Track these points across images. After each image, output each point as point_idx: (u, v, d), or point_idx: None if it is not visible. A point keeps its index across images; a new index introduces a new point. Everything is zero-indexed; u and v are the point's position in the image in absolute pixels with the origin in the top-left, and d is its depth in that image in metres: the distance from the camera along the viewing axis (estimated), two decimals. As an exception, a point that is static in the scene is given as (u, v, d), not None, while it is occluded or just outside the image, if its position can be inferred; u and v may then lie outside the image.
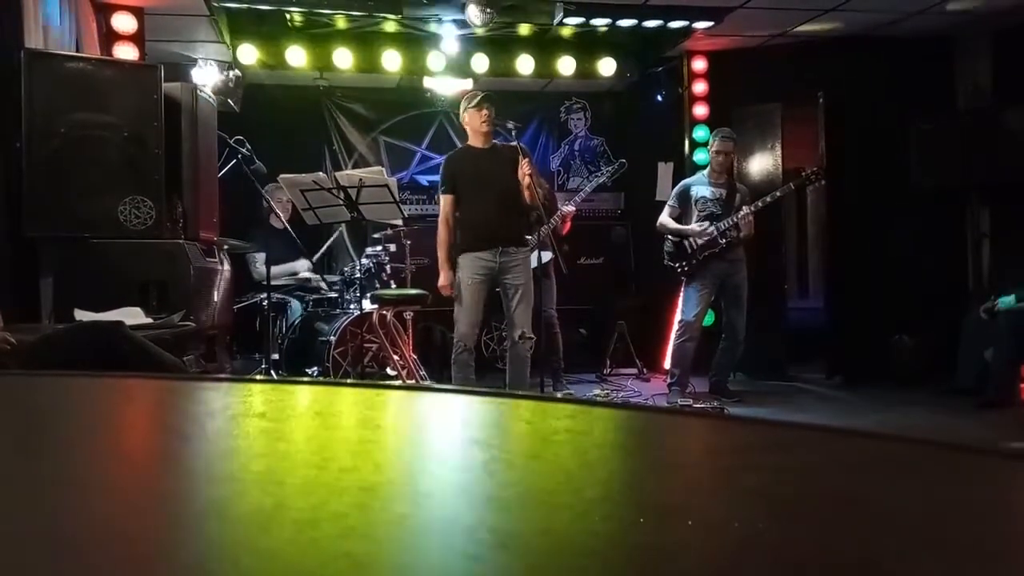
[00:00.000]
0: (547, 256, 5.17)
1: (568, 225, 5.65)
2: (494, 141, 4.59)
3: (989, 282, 6.07)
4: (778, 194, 5.34)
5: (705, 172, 5.50)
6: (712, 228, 5.25)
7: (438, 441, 0.69)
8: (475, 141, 4.55)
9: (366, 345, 5.02)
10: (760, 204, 5.25)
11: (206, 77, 5.75)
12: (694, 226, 5.30)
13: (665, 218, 5.47)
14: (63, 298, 3.64)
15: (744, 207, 5.25)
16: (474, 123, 4.48)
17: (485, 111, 4.44)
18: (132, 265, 3.79)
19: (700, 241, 5.25)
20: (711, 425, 0.77)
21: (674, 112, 6.88)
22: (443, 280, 4.45)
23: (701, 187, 5.41)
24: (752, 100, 6.44)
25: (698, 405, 5.08)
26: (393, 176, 5.90)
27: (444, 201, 4.52)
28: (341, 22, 6.13)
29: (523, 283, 4.45)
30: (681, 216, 5.44)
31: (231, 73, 5.89)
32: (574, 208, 5.63)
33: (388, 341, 4.86)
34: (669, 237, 5.41)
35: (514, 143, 4.55)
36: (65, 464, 0.54)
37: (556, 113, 7.62)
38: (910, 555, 0.39)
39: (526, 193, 4.39)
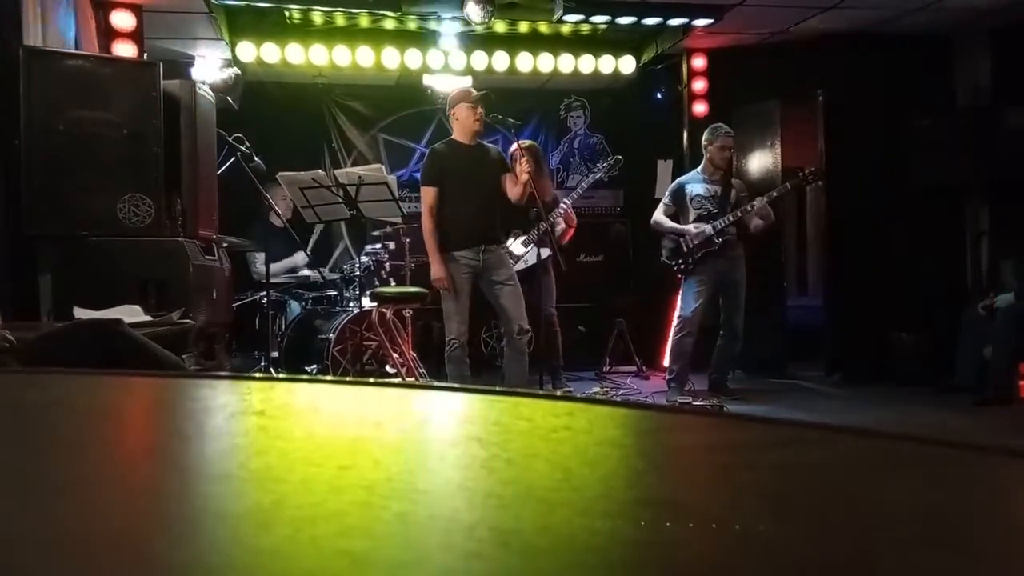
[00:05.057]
0: (546, 253, 5.16)
1: (571, 233, 5.61)
2: (479, 140, 4.61)
3: (987, 280, 6.07)
4: (775, 194, 5.33)
5: (699, 169, 5.48)
6: (708, 228, 5.24)
7: (437, 438, 0.69)
8: (462, 137, 4.54)
9: (365, 343, 5.02)
10: (768, 198, 5.22)
11: (205, 74, 5.75)
12: (690, 227, 5.28)
13: (660, 216, 5.45)
14: (62, 296, 3.64)
15: (758, 199, 5.22)
16: (467, 119, 4.48)
17: (480, 109, 4.46)
18: (131, 263, 3.79)
19: (697, 240, 5.25)
20: (710, 423, 0.77)
21: (673, 110, 6.89)
22: (438, 272, 4.40)
23: (696, 184, 5.40)
24: (751, 98, 6.44)
25: (697, 403, 5.08)
26: (392, 174, 5.91)
27: (427, 193, 4.47)
28: (340, 20, 6.13)
29: (508, 278, 4.45)
30: (677, 214, 5.43)
31: (230, 70, 5.89)
32: (569, 204, 5.59)
33: (387, 339, 4.86)
34: (666, 235, 5.41)
35: (527, 142, 4.55)
36: (62, 462, 0.54)
37: (555, 111, 7.62)
38: (909, 553, 0.39)
39: (521, 190, 4.39)
